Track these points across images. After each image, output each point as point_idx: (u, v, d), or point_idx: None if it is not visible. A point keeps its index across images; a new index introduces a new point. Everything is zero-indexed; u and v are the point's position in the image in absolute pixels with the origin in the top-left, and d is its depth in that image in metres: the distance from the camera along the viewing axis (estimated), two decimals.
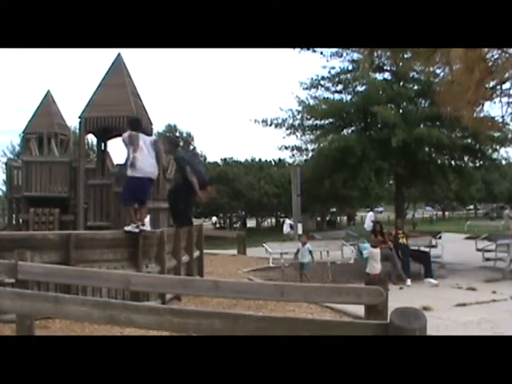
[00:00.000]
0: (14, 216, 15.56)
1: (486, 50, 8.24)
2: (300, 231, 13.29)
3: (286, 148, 14.98)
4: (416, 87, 13.90)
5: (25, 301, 2.96)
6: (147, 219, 11.39)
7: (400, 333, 2.06)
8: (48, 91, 17.75)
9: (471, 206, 58.49)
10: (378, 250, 9.41)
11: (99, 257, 7.06)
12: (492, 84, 9.35)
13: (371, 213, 23.45)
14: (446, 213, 58.32)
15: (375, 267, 9.21)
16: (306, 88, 14.26)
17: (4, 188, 27.29)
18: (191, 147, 46.57)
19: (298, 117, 14.10)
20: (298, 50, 11.83)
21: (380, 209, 63.57)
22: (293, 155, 15.36)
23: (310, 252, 10.54)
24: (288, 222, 22.79)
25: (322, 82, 14.18)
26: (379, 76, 14.28)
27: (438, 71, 11.79)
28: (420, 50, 8.67)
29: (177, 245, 8.66)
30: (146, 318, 2.59)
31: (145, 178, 7.51)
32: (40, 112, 17.11)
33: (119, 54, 14.03)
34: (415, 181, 16.18)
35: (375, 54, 10.97)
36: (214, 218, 44.40)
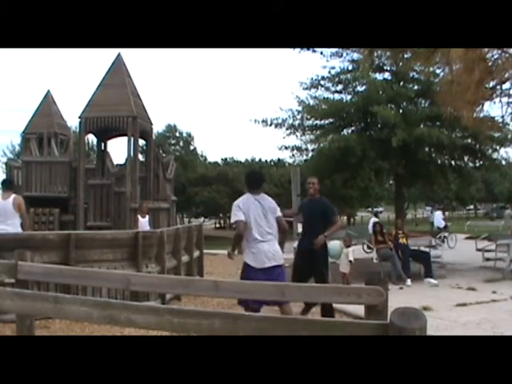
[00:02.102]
0: None
1: (485, 49, 8.25)
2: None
3: (286, 148, 15.02)
4: (416, 87, 13.92)
5: (25, 301, 2.96)
6: (146, 219, 11.41)
7: (400, 333, 2.06)
8: (48, 91, 17.77)
9: (471, 206, 58.53)
10: (350, 249, 9.80)
11: (99, 257, 7.06)
12: (492, 84, 9.36)
13: (440, 212, 23.73)
14: (446, 213, 58.36)
15: (345, 267, 9.54)
16: (306, 88, 14.29)
17: None
18: (191, 147, 46.52)
19: (298, 117, 14.13)
20: (298, 49, 11.86)
21: (380, 209, 63.65)
22: (293, 155, 15.41)
23: None
24: (374, 220, 22.72)
25: (322, 82, 14.21)
26: (379, 76, 14.31)
27: (438, 71, 11.83)
28: (420, 50, 8.69)
29: (177, 245, 8.66)
30: (146, 317, 2.59)
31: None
32: (40, 112, 17.14)
33: (119, 54, 14.06)
34: (415, 181, 16.21)
35: (375, 54, 10.98)
36: (202, 219, 44.20)
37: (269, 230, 5.37)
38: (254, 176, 5.78)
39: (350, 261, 9.76)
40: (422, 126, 12.82)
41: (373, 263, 10.88)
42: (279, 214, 5.45)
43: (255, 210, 5.32)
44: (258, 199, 5.38)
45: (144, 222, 11.02)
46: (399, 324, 2.06)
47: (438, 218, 21.55)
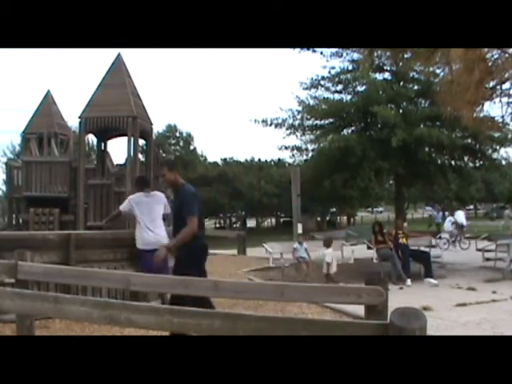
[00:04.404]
0: (14, 216, 15.55)
1: (485, 50, 8.25)
2: (300, 231, 13.29)
3: (286, 148, 15.01)
4: (416, 87, 13.92)
5: (25, 301, 2.96)
6: None
7: (400, 333, 2.06)
8: (48, 91, 17.76)
9: (471, 206, 58.45)
10: (331, 250, 10.15)
11: (99, 257, 7.06)
12: (492, 84, 9.36)
13: (462, 212, 24.45)
14: (446, 213, 58.26)
15: (331, 267, 9.90)
16: (306, 88, 14.29)
17: (4, 188, 27.34)
18: (191, 147, 46.53)
19: (298, 117, 14.12)
20: (298, 49, 11.86)
21: (380, 209, 63.63)
22: (293, 155, 15.39)
23: (306, 250, 10.80)
24: (451, 218, 22.77)
25: (322, 82, 14.20)
26: (379, 76, 14.31)
27: (438, 71, 11.83)
28: (420, 50, 8.68)
29: None
30: (146, 317, 2.59)
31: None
32: (40, 112, 17.12)
33: (119, 54, 14.04)
34: (415, 181, 16.22)
35: (375, 54, 10.98)
36: None
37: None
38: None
39: (328, 263, 9.81)
40: (422, 125, 12.82)
41: (373, 263, 10.88)
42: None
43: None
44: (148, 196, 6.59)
45: None
46: (399, 324, 2.06)
47: (461, 217, 22.71)
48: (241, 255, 17.68)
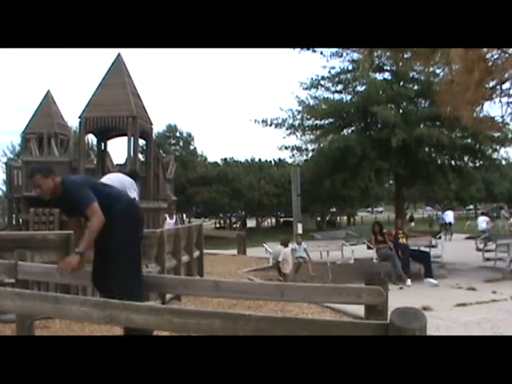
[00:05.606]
0: (14, 216, 15.57)
1: (485, 50, 8.25)
2: (300, 231, 13.29)
3: (286, 148, 15.00)
4: (416, 87, 13.91)
5: (25, 301, 2.96)
6: (173, 220, 11.23)
7: (400, 333, 2.06)
8: (48, 91, 17.82)
9: (471, 206, 58.45)
10: (288, 250, 10.15)
11: None
12: (492, 84, 9.36)
13: (451, 212, 25.94)
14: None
15: (286, 267, 9.94)
16: (306, 88, 14.28)
17: (4, 188, 27.37)
18: (191, 147, 46.54)
19: (298, 117, 14.11)
20: (297, 49, 11.85)
21: (380, 209, 63.67)
22: (293, 155, 15.38)
23: (305, 250, 10.82)
24: (485, 218, 22.76)
25: (322, 82, 14.20)
26: (379, 76, 14.30)
27: (438, 71, 11.82)
28: (420, 50, 8.68)
29: (177, 245, 8.65)
30: (145, 317, 2.59)
31: None
32: (40, 112, 17.17)
33: (119, 54, 14.07)
34: (415, 181, 16.21)
35: (375, 54, 10.98)
36: (183, 215, 43.59)
37: None
38: None
39: (278, 261, 9.87)
40: (421, 126, 12.81)
41: (373, 263, 10.88)
42: None
43: None
44: None
45: (171, 224, 10.87)
46: (399, 324, 2.06)
47: (450, 216, 24.89)
48: (241, 255, 17.68)
